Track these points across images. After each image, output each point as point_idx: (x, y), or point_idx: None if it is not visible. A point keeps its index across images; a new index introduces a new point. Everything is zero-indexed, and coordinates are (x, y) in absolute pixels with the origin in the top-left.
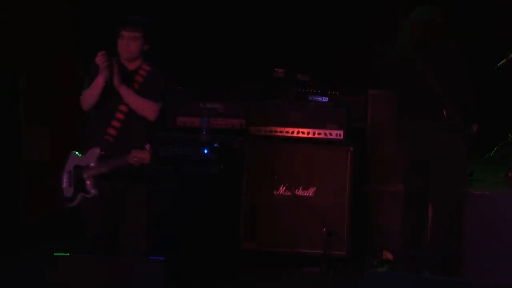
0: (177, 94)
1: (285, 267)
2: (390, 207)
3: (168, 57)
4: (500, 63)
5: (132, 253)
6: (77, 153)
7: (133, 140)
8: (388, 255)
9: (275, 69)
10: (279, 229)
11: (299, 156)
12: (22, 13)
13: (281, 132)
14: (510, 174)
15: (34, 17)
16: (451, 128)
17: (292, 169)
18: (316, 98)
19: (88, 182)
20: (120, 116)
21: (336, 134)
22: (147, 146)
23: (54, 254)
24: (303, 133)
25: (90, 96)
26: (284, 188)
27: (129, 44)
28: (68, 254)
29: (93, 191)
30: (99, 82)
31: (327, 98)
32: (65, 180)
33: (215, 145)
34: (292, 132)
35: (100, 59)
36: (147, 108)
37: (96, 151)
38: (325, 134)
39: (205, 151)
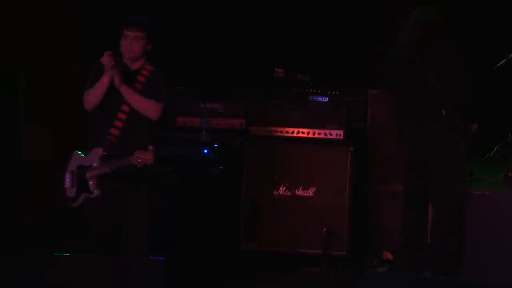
0: (177, 94)
1: (285, 267)
2: (390, 207)
3: (168, 57)
4: (500, 63)
5: (134, 253)
6: (80, 153)
7: (135, 140)
8: (388, 255)
9: (275, 69)
10: (279, 229)
11: (299, 156)
12: (22, 13)
13: (281, 132)
14: (510, 174)
15: (34, 17)
16: (451, 128)
17: (292, 169)
18: (316, 98)
19: (91, 182)
20: (122, 116)
21: (336, 134)
22: (151, 147)
23: (54, 254)
24: (303, 133)
25: (93, 96)
26: (284, 188)
27: (132, 44)
28: (68, 254)
29: (96, 191)
30: (104, 82)
31: (327, 98)
32: (67, 180)
33: (215, 145)
34: (292, 132)
35: (106, 59)
36: (149, 108)
37: (99, 151)
38: (325, 134)
39: (205, 151)
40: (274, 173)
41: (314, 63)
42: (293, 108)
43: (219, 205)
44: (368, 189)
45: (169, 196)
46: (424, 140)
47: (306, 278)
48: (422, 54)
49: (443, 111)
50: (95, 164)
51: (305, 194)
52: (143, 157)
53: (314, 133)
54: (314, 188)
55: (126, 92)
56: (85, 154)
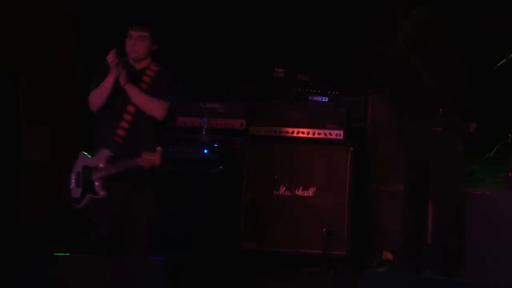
0: (177, 94)
1: (285, 267)
2: (390, 207)
3: (168, 57)
4: (500, 63)
5: (139, 254)
6: (86, 153)
7: (141, 140)
8: (388, 255)
9: (275, 69)
10: (279, 229)
11: (299, 156)
12: (22, 13)
13: (281, 132)
14: (510, 174)
15: (34, 17)
16: (446, 124)
17: (292, 169)
18: (316, 98)
19: (96, 183)
20: (128, 117)
21: (336, 134)
22: (158, 149)
23: (54, 254)
24: (303, 133)
25: (99, 96)
26: (284, 188)
27: (136, 44)
28: (68, 254)
29: (101, 193)
30: (109, 81)
31: (327, 98)
32: (73, 180)
33: (215, 145)
34: (292, 132)
35: (111, 57)
36: (154, 107)
37: (106, 152)
38: (325, 134)
39: (205, 151)
40: (274, 173)
41: (314, 63)
42: (293, 108)
43: (219, 205)
44: (368, 189)
45: (169, 196)
46: (424, 140)
47: (306, 278)
48: (420, 54)
49: (440, 110)
50: (101, 165)
51: (305, 194)
52: (151, 158)
53: (314, 133)
54: (314, 188)
55: (132, 91)
56: (91, 155)
